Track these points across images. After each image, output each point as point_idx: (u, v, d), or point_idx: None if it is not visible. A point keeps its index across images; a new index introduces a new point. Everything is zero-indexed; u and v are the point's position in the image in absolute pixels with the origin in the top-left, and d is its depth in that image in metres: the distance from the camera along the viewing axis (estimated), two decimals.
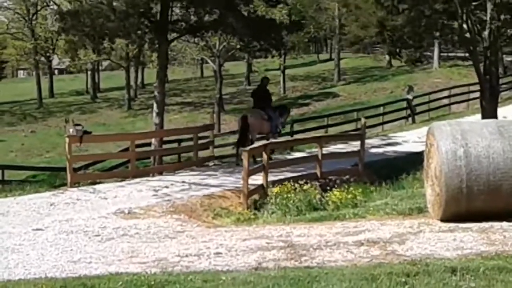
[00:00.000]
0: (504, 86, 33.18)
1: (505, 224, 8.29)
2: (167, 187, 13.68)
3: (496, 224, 8.27)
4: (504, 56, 39.74)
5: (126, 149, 17.41)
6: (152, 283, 6.18)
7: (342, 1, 50.64)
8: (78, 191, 13.27)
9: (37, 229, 9.66)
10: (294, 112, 42.35)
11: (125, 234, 9.27)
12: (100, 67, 62.04)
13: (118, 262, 7.55)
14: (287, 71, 51.14)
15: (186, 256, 7.67)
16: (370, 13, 43.29)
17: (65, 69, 70.35)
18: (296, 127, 24.91)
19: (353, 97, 44.07)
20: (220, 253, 7.69)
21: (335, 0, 51.86)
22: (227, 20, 19.26)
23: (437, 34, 21.54)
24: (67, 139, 14.49)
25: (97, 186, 13.97)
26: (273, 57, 47.74)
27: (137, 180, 14.76)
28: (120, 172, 17.72)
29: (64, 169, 15.66)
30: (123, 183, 14.54)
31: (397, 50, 50.51)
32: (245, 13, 19.36)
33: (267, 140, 16.24)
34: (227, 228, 9.92)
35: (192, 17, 20.41)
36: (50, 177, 19.55)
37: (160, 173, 16.47)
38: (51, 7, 50.25)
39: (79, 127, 15.17)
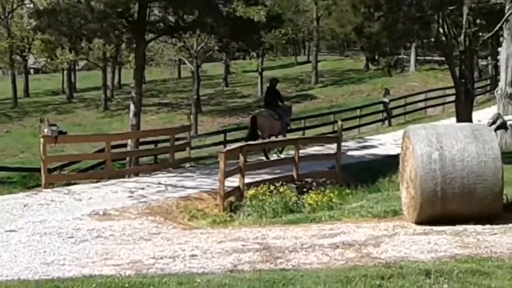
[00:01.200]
0: (479, 90, 33.58)
1: (478, 227, 8.36)
2: (143, 188, 13.61)
3: (470, 227, 8.33)
4: (479, 60, 40.12)
5: (102, 150, 17.28)
6: (126, 285, 6.13)
7: None
8: (52, 192, 13.14)
9: (10, 231, 9.54)
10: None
11: (100, 236, 9.19)
12: (76, 67, 61.54)
13: (92, 264, 7.48)
14: (264, 73, 51.12)
15: (161, 258, 7.62)
16: (347, 9, 43.32)
17: (40, 69, 69.69)
18: None
19: (330, 99, 44.22)
20: (196, 255, 7.66)
21: None
22: (206, 20, 19.24)
23: (413, 39, 21.68)
24: (42, 140, 14.36)
25: (72, 187, 13.85)
26: (250, 58, 47.77)
27: (113, 181, 14.66)
28: (95, 173, 17.57)
29: (38, 169, 15.49)
30: (98, 184, 14.43)
31: (374, 57, 50.70)
32: (224, 13, 19.37)
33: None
34: (203, 230, 9.88)
35: (170, 17, 20.36)
36: (24, 178, 19.31)
37: (136, 175, 16.39)
38: (27, 5, 49.74)
39: (54, 127, 15.01)
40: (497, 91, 21.20)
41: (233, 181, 13.14)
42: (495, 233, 8.05)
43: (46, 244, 8.67)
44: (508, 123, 9.64)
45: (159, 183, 14.25)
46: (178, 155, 18.28)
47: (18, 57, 54.73)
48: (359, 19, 18.35)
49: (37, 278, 6.83)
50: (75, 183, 14.74)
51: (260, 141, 17.07)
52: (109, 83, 51.59)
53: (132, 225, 10.01)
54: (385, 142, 21.37)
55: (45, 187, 13.87)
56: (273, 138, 17.59)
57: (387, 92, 30.97)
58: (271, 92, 18.74)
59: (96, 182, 14.90)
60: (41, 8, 21.43)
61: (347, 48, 67.65)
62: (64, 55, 44.24)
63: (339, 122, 17.91)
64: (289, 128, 19.12)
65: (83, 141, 23.22)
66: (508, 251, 7.20)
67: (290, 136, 19.24)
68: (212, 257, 7.56)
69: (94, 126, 41.08)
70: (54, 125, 15.63)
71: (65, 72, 55.09)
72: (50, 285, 6.29)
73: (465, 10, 18.55)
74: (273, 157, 17.86)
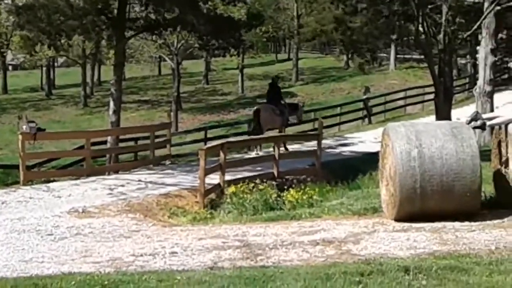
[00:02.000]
0: (458, 88, 33.86)
1: (457, 224, 8.43)
2: (122, 185, 13.55)
3: (449, 224, 8.41)
4: (458, 58, 40.45)
5: (82, 147, 17.17)
6: (106, 282, 6.11)
7: None
8: (31, 189, 13.05)
9: None
10: (252, 111, 42.44)
11: (79, 233, 9.14)
12: (55, 64, 61.04)
13: (71, 262, 7.44)
14: (245, 70, 51.11)
15: (141, 255, 7.60)
16: (329, 7, 43.45)
17: (19, 65, 69.03)
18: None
19: (310, 97, 44.29)
20: (176, 253, 7.65)
21: None
22: (187, 18, 19.18)
23: (394, 36, 21.83)
24: (20, 136, 14.24)
25: (51, 184, 13.76)
26: (231, 56, 47.72)
27: (93, 178, 14.58)
28: (75, 170, 17.47)
29: (17, 166, 15.36)
30: (77, 181, 14.34)
31: (350, 54, 51.08)
32: (205, 11, 19.31)
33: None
34: (183, 227, 9.87)
35: (150, 14, 20.27)
36: (3, 175, 19.13)
37: (116, 172, 16.30)
38: (6, 1, 49.22)
39: (32, 124, 14.89)
40: (475, 89, 21.40)
41: (214, 179, 13.14)
42: (473, 230, 8.13)
43: (25, 241, 8.60)
44: (487, 122, 9.70)
45: (139, 180, 14.20)
46: (159, 152, 18.22)
47: None
48: (340, 12, 18.38)
49: (16, 275, 6.78)
50: (54, 180, 14.64)
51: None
52: (88, 80, 51.26)
53: (111, 223, 9.96)
54: (365, 140, 21.47)
55: (24, 184, 13.77)
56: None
57: (367, 90, 31.12)
58: (274, 89, 19.44)
59: (76, 179, 14.81)
60: (20, 4, 21.20)
61: (328, 46, 67.84)
62: (43, 52, 43.83)
63: (320, 120, 17.97)
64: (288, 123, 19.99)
65: (62, 138, 23.04)
66: (486, 247, 7.27)
67: (270, 133, 19.30)
68: (192, 254, 7.55)
69: (73, 123, 40.80)
70: (33, 121, 15.51)
71: (44, 68, 54.62)
72: (28, 282, 6.25)
73: (445, 8, 18.67)
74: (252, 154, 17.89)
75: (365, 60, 47.13)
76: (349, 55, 53.30)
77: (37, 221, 9.92)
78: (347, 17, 17.94)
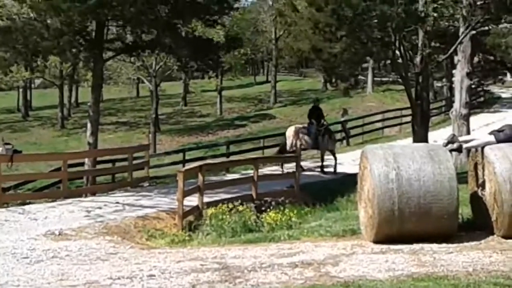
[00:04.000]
0: (434, 111, 34.22)
1: (435, 246, 8.46)
2: (100, 208, 13.43)
3: (427, 246, 8.43)
4: (434, 81, 40.94)
5: (58, 169, 17.02)
6: None
7: (280, 11, 50.94)
8: (6, 212, 12.87)
9: None
10: (230, 133, 42.52)
11: (55, 256, 9.02)
12: (32, 85, 60.71)
13: (47, 285, 7.33)
14: (223, 93, 51.29)
15: (119, 278, 7.52)
16: (306, 29, 43.77)
17: None
18: (233, 148, 24.94)
19: (289, 119, 44.51)
20: (154, 275, 7.58)
21: (276, 11, 52.19)
22: (165, 40, 19.22)
23: (371, 60, 22.05)
24: None
25: (26, 207, 13.59)
26: (209, 78, 47.86)
27: (69, 200, 14.44)
28: (51, 192, 17.30)
29: None
30: (54, 203, 14.19)
31: (331, 80, 51.28)
32: (183, 34, 19.38)
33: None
34: (161, 249, 9.79)
35: (128, 36, 20.29)
36: None
37: (93, 194, 16.18)
38: None
39: (9, 146, 14.75)
40: (452, 112, 21.61)
41: (192, 201, 13.08)
42: (451, 252, 8.17)
43: (0, 265, 8.47)
44: (464, 145, 9.79)
45: (117, 203, 14.09)
46: (137, 174, 18.13)
47: None
48: (318, 39, 18.53)
49: None
50: (30, 203, 14.47)
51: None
52: (66, 101, 51.05)
53: (88, 245, 9.85)
54: (343, 162, 21.55)
55: None
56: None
57: (345, 112, 31.30)
58: (316, 110, 20.48)
59: (52, 201, 14.65)
60: None
61: (306, 67, 68.34)
62: (19, 73, 43.59)
63: (298, 142, 18.03)
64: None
65: (39, 160, 22.84)
66: (463, 269, 7.30)
67: (248, 155, 19.34)
68: (170, 277, 7.49)
69: (50, 145, 40.52)
70: (9, 143, 15.36)
71: (21, 90, 54.30)
72: None
73: (421, 32, 18.92)
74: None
75: (350, 85, 47.40)
76: (331, 79, 53.61)
77: (12, 244, 9.77)
78: (327, 44, 18.09)
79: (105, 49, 19.99)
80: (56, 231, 10.82)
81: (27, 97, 54.99)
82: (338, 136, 29.40)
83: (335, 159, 20.22)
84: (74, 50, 19.48)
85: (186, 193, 12.59)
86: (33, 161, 23.57)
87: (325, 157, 20.22)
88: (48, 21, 18.20)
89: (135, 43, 20.01)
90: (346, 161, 21.58)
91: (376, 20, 17.52)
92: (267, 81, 63.50)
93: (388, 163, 8.81)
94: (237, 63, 53.23)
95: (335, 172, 19.84)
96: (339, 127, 29.80)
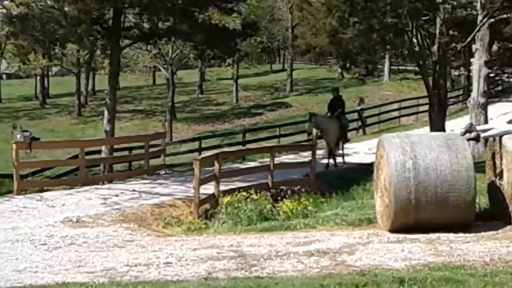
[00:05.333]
0: (452, 99, 33.99)
1: (451, 235, 8.43)
2: (117, 195, 13.52)
3: (443, 235, 8.41)
4: (452, 70, 40.62)
5: (76, 156, 17.14)
6: None
7: (298, 5, 50.86)
8: (24, 199, 13.00)
9: None
10: (246, 122, 42.52)
11: (73, 243, 9.10)
12: (50, 73, 60.99)
13: (65, 272, 7.40)
14: (240, 81, 51.22)
15: (135, 265, 7.57)
16: (323, 21, 43.70)
17: (13, 74, 68.95)
18: (249, 136, 24.95)
19: (305, 107, 44.40)
20: (170, 263, 7.62)
21: (292, 2, 52.07)
22: (181, 28, 19.22)
23: (388, 47, 21.86)
24: (14, 146, 14.20)
25: (44, 194, 13.71)
26: (226, 66, 47.80)
27: (86, 188, 14.55)
28: (68, 179, 17.43)
29: (10, 176, 15.32)
30: (71, 191, 14.31)
31: (348, 65, 51.18)
32: (200, 21, 19.36)
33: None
34: (177, 237, 9.84)
35: (145, 24, 20.31)
36: None
37: (110, 181, 16.28)
38: (0, 10, 49.18)
39: (26, 133, 14.88)
40: (469, 101, 21.47)
41: (208, 189, 13.12)
42: (468, 241, 8.13)
43: (18, 251, 8.56)
44: (481, 134, 9.73)
45: (133, 190, 14.17)
46: (153, 162, 18.20)
47: None
48: (333, 24, 18.44)
49: (9, 285, 6.75)
50: (48, 190, 14.60)
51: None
52: (83, 89, 51.26)
53: (105, 232, 9.93)
54: (360, 151, 21.50)
55: (17, 194, 13.72)
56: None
57: (361, 101, 31.21)
58: (336, 100, 19.83)
59: (70, 188, 14.77)
60: (14, 13, 21.20)
61: (322, 57, 68.05)
62: (37, 60, 43.85)
63: (314, 131, 17.99)
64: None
65: (56, 147, 23.02)
66: (480, 259, 7.27)
67: (264, 144, 19.33)
68: (186, 264, 7.53)
69: (67, 133, 40.75)
70: (27, 131, 15.49)
71: (38, 77, 54.58)
72: None
73: (438, 20, 18.76)
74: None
75: (365, 70, 47.21)
76: (348, 66, 53.38)
77: (30, 231, 9.87)
78: (340, 29, 17.98)
79: (122, 37, 20.03)
80: (74, 218, 10.91)
81: (45, 84, 55.27)
82: (354, 125, 29.33)
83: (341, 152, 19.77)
84: (91, 38, 19.54)
85: (202, 181, 12.63)
86: (51, 149, 23.75)
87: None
88: (66, 9, 18.26)
89: (152, 31, 20.03)
90: (362, 150, 21.54)
91: (388, 6, 17.37)
92: (283, 70, 63.32)
93: (405, 152, 8.77)
94: (254, 51, 53.13)
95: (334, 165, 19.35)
96: (355, 116, 29.72)
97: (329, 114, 19.51)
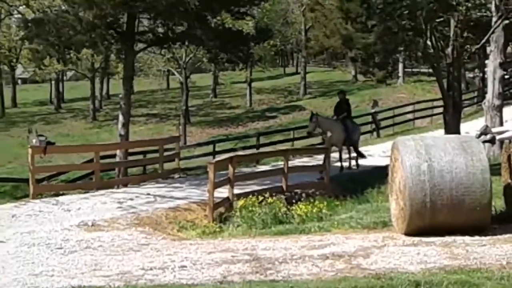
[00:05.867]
0: (466, 102, 33.76)
1: (467, 238, 8.39)
2: (132, 199, 13.57)
3: (459, 239, 8.37)
4: (466, 72, 40.39)
5: (91, 161, 17.22)
6: None
7: (310, 6, 50.79)
8: (40, 203, 13.08)
9: None
10: (260, 125, 42.55)
11: (88, 247, 9.15)
12: (64, 77, 61.37)
13: (81, 275, 7.44)
14: (253, 84, 51.26)
15: (151, 269, 7.60)
16: (336, 23, 43.57)
17: (28, 79, 69.47)
18: (262, 140, 24.95)
19: (318, 110, 44.13)
20: (185, 266, 7.64)
21: (305, 5, 52.02)
22: (195, 32, 19.25)
23: (402, 49, 21.78)
24: (30, 150, 14.30)
25: (60, 198, 13.79)
26: (240, 69, 47.87)
27: (102, 192, 14.61)
28: (84, 183, 17.50)
29: (26, 180, 15.41)
30: (87, 195, 14.38)
31: (370, 68, 50.86)
32: (213, 25, 19.39)
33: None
34: (192, 241, 9.86)
35: (159, 28, 20.37)
36: (12, 188, 19.21)
37: (125, 185, 16.33)
38: (15, 15, 49.58)
39: (42, 138, 14.98)
40: (484, 103, 21.32)
41: (223, 192, 13.13)
42: (484, 245, 8.09)
43: (35, 255, 8.62)
44: (497, 136, 9.68)
45: (148, 194, 14.21)
46: (167, 165, 18.24)
47: (5, 67, 54.54)
48: (350, 30, 18.42)
49: None
50: (63, 194, 14.68)
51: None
52: (97, 93, 51.53)
53: (121, 236, 9.97)
54: (374, 154, 21.40)
55: (33, 198, 13.80)
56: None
57: (375, 103, 31.09)
58: (343, 104, 19.48)
59: (85, 192, 14.84)
60: (29, 18, 21.36)
61: (336, 59, 67.94)
62: (52, 65, 44.12)
63: (328, 133, 17.95)
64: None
65: (71, 151, 23.12)
66: (497, 262, 7.23)
67: (278, 147, 19.32)
68: (201, 268, 7.54)
69: (82, 137, 40.96)
70: (42, 135, 15.60)
71: (53, 82, 54.93)
72: None
73: (453, 22, 18.68)
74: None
75: (387, 73, 46.86)
76: (368, 68, 53.02)
77: (46, 235, 9.93)
78: (358, 34, 17.93)
79: (136, 41, 20.10)
80: (89, 222, 10.96)
81: (60, 89, 55.61)
82: (368, 127, 29.25)
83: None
84: (106, 42, 19.61)
85: (216, 185, 12.64)
86: (66, 153, 23.88)
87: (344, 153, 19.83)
88: (80, 14, 18.35)
89: (166, 35, 20.08)
90: (376, 152, 21.45)
91: (406, 10, 17.33)
92: (296, 73, 63.32)
93: (420, 155, 8.75)
94: (267, 54, 53.16)
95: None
96: (369, 118, 29.63)
97: (335, 117, 19.34)
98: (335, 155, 18.72)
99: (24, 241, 9.48)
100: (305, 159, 20.00)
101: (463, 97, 26.07)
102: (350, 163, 19.14)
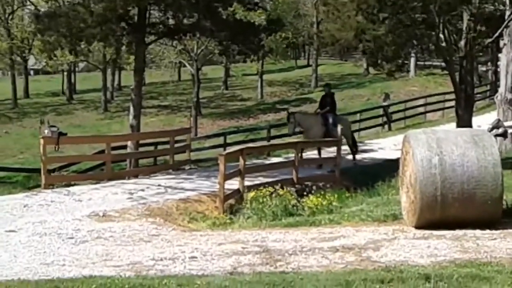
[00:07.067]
0: (479, 95, 33.58)
1: (478, 232, 8.37)
2: (142, 190, 13.62)
3: (470, 232, 8.35)
4: (479, 65, 40.13)
5: (102, 151, 17.29)
6: (126, 286, 6.13)
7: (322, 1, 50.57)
8: (52, 193, 13.16)
9: (10, 231, 9.56)
10: (271, 117, 42.51)
11: (100, 237, 9.20)
12: (76, 68, 61.52)
13: (92, 265, 7.49)
14: (264, 76, 51.17)
15: (161, 259, 7.63)
16: (349, 15, 43.34)
17: (40, 70, 69.70)
18: (273, 132, 24.93)
19: None
20: (195, 257, 7.67)
21: None
22: (206, 23, 19.25)
23: (415, 43, 21.66)
24: (42, 141, 14.37)
25: (71, 188, 13.87)
26: (251, 61, 47.78)
27: (113, 182, 14.67)
28: (95, 174, 17.59)
29: (38, 170, 15.51)
30: (98, 185, 14.44)
31: (377, 61, 50.57)
32: (224, 17, 19.37)
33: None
34: (203, 232, 9.89)
35: (170, 20, 20.38)
36: (24, 179, 19.33)
37: (136, 176, 16.39)
38: (28, 7, 49.79)
39: (54, 129, 15.06)
40: (497, 96, 21.20)
41: (233, 184, 13.16)
42: (495, 238, 8.07)
43: (46, 244, 8.68)
44: (509, 130, 9.63)
45: (159, 185, 14.26)
46: (178, 157, 18.29)
47: (18, 58, 54.74)
48: (362, 22, 18.29)
49: (37, 278, 6.84)
50: (74, 184, 14.76)
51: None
52: (109, 85, 51.62)
53: (131, 227, 10.02)
54: (385, 147, 21.39)
55: (45, 188, 13.88)
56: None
57: (387, 96, 31.00)
58: (327, 97, 19.00)
59: (96, 183, 14.91)
60: (42, 11, 21.41)
61: (347, 52, 67.67)
62: (64, 57, 44.24)
63: (339, 126, 17.92)
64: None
65: (83, 142, 23.22)
66: (507, 256, 7.21)
67: (289, 139, 19.32)
68: (212, 259, 7.57)
69: (94, 128, 41.07)
70: (54, 126, 15.68)
71: (65, 73, 55.08)
72: (50, 285, 6.29)
73: (466, 15, 18.56)
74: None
75: (396, 66, 46.56)
76: (376, 60, 52.82)
77: (58, 225, 10.00)
78: (370, 25, 17.77)
79: (147, 33, 20.11)
80: (100, 212, 11.02)
81: (71, 80, 55.77)
82: (380, 120, 29.19)
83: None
84: (117, 35, 19.65)
85: (227, 177, 12.67)
86: (78, 144, 23.97)
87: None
88: (91, 7, 18.37)
89: (177, 27, 20.09)
90: (387, 145, 21.43)
91: (419, 3, 17.23)
92: (308, 65, 63.14)
93: (431, 148, 8.72)
94: (278, 46, 53.00)
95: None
96: (380, 111, 29.56)
97: (318, 111, 18.89)
98: (346, 148, 18.71)
99: (36, 231, 9.54)
100: (316, 151, 19.96)
101: (476, 90, 25.95)
102: (354, 157, 18.87)
